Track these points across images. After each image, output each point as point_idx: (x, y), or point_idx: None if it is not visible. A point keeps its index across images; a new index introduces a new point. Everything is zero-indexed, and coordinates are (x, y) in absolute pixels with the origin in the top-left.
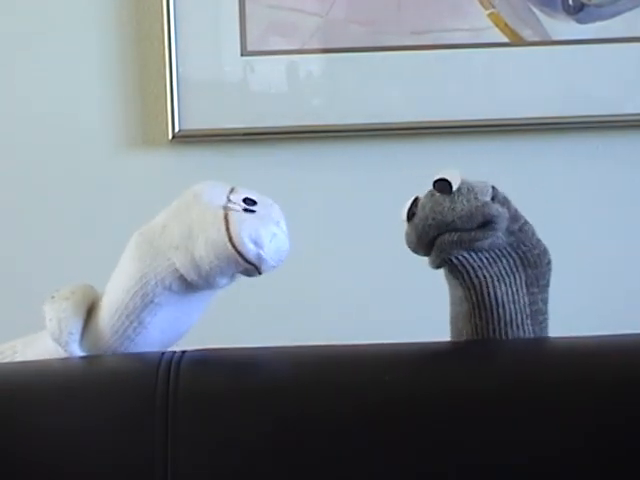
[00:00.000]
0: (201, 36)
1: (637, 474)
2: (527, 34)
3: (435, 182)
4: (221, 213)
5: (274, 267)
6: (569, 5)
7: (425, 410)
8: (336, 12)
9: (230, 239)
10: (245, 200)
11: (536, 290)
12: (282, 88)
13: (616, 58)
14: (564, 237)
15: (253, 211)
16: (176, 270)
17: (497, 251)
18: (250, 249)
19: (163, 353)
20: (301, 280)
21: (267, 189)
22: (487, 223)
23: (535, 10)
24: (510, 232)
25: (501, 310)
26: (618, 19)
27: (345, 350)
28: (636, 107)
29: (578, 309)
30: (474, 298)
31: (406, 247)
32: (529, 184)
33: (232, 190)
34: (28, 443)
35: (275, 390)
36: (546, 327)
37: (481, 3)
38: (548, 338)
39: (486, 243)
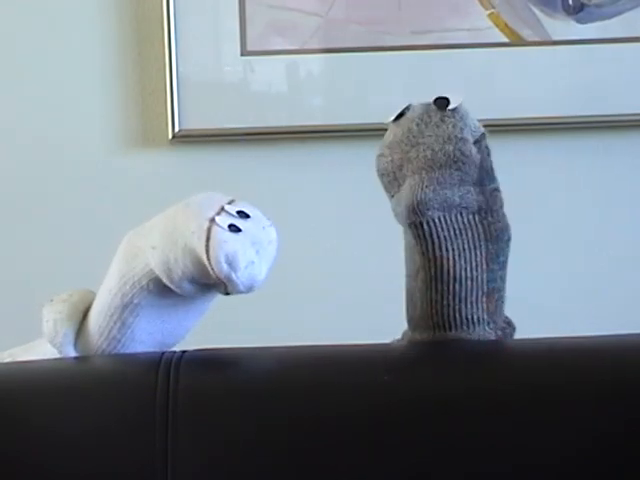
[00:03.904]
0: (201, 36)
1: (637, 475)
2: (527, 34)
3: (437, 98)
4: (205, 225)
5: (243, 292)
6: (569, 5)
7: (425, 411)
8: (336, 12)
9: (207, 252)
10: (239, 212)
11: (496, 267)
12: (282, 88)
13: (616, 58)
14: (563, 237)
15: (239, 230)
16: (152, 271)
17: (465, 219)
18: (223, 268)
19: (163, 353)
20: (301, 279)
21: (267, 189)
22: (455, 161)
23: (535, 10)
24: (482, 190)
25: (457, 286)
26: (618, 19)
27: (345, 350)
28: (636, 107)
29: (577, 309)
30: (432, 271)
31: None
32: (529, 184)
33: (230, 202)
34: (27, 443)
35: (275, 390)
36: (502, 304)
37: (481, 3)
38: (548, 338)
39: (457, 195)
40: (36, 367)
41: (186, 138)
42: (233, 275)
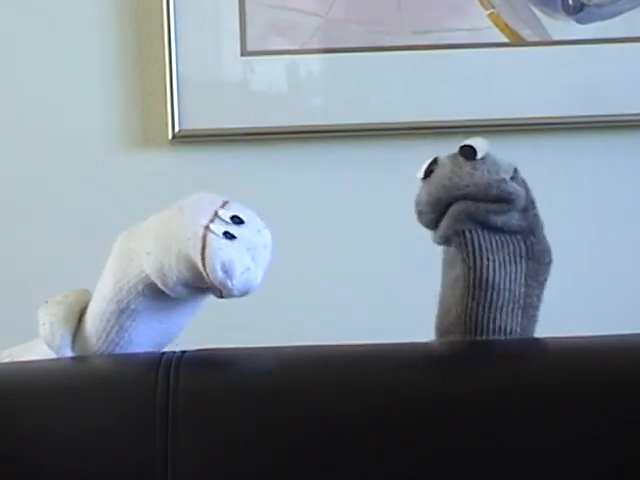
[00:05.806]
0: (201, 36)
1: (638, 475)
2: (527, 34)
3: (461, 147)
4: (200, 232)
5: (238, 297)
6: (569, 5)
7: (425, 411)
8: (336, 12)
9: (203, 259)
10: (233, 218)
11: (534, 284)
12: (282, 88)
13: (616, 58)
14: (563, 237)
15: (234, 237)
16: (147, 276)
17: (508, 236)
18: (218, 276)
19: (163, 353)
20: (301, 279)
21: (267, 189)
22: (503, 200)
23: (535, 10)
24: (525, 216)
25: (495, 295)
26: (618, 19)
27: (346, 350)
28: (636, 107)
29: (578, 309)
30: (471, 277)
31: (406, 246)
32: (529, 184)
33: (224, 204)
34: (27, 443)
35: (275, 390)
36: (535, 322)
37: (481, 3)
38: (548, 338)
39: (500, 220)
40: (36, 367)
41: (186, 138)
42: (229, 282)
